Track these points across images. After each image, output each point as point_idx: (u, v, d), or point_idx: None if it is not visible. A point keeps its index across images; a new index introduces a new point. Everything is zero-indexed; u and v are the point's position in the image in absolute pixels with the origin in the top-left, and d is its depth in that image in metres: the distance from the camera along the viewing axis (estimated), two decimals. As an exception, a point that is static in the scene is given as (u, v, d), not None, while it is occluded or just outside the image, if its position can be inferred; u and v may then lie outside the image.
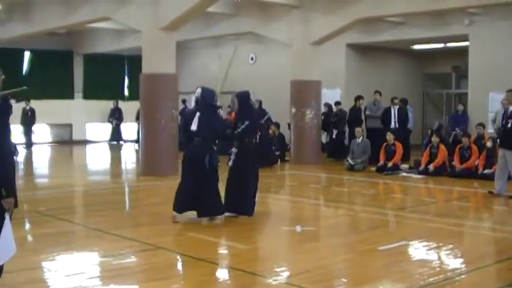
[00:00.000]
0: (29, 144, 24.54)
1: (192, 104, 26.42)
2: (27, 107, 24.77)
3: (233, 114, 11.31)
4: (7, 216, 4.93)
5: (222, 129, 9.89)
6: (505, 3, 17.27)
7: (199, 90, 9.83)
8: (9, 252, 4.98)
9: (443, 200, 13.40)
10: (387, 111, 19.15)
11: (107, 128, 28.12)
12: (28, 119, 24.76)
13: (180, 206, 9.58)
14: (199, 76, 27.88)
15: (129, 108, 26.84)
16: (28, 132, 24.78)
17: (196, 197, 9.41)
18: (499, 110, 17.45)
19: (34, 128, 25.10)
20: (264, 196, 13.02)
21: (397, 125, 18.85)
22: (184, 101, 25.75)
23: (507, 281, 6.65)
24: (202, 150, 9.47)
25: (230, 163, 10.06)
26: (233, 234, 8.83)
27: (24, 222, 9.81)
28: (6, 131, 4.98)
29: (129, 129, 27.57)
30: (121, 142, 27.61)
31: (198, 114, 9.55)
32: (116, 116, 27.78)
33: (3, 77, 5.12)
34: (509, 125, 12.27)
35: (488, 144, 15.34)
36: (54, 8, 19.76)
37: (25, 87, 5.23)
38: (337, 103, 20.83)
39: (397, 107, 19.14)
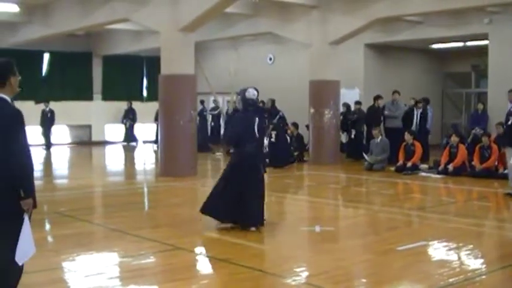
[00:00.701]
0: (48, 146, 24.70)
1: (223, 105, 26.63)
2: (47, 109, 24.95)
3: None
4: (26, 217, 4.97)
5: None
6: (525, 2, 17.16)
7: (254, 92, 9.21)
8: (29, 253, 5.01)
9: (463, 200, 13.33)
10: (410, 112, 19.11)
11: (121, 129, 28.20)
12: (47, 121, 24.93)
13: (223, 213, 9.15)
14: (218, 77, 27.95)
15: (148, 109, 26.91)
16: (47, 134, 24.95)
17: (243, 206, 8.97)
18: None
19: (53, 129, 25.26)
20: (282, 196, 13.07)
21: (417, 127, 18.83)
22: (202, 102, 25.80)
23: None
24: (258, 157, 9.19)
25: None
26: (252, 235, 8.83)
27: (44, 223, 9.88)
28: (24, 133, 5.01)
29: (148, 130, 27.65)
30: (132, 143, 27.59)
31: (257, 119, 9.07)
32: (130, 117, 27.86)
33: (19, 77, 5.15)
34: (509, 122, 12.38)
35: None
36: (73, 9, 19.86)
37: (19, 88, 5.25)
38: (357, 103, 20.79)
39: (421, 110, 19.09)
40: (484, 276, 6.89)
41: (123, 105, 27.99)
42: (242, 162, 9.03)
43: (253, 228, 8.90)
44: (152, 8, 16.30)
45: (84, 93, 27.82)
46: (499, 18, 19.54)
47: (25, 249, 4.96)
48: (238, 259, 7.57)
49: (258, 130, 9.06)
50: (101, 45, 27.71)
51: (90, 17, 19.21)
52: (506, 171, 14.74)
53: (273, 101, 20.91)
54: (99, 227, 9.89)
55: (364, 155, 17.63)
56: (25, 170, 4.98)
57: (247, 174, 8.98)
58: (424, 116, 19.20)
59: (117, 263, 7.50)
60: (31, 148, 5.06)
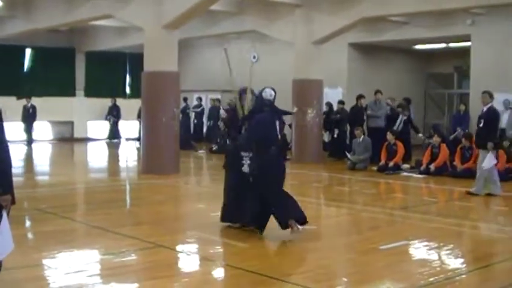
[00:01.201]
0: (29, 142, 24.53)
1: (207, 103, 26.59)
2: (29, 104, 24.76)
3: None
4: (4, 213, 4.93)
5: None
6: (508, 4, 17.25)
7: (272, 92, 8.74)
8: (7, 249, 4.98)
9: (445, 200, 13.40)
10: (394, 117, 19.19)
11: (105, 126, 28.10)
12: (29, 116, 24.75)
13: (247, 217, 8.74)
14: (202, 74, 27.97)
15: (131, 106, 26.84)
16: (29, 130, 24.78)
17: (265, 210, 8.55)
18: (501, 110, 17.46)
19: (35, 125, 25.11)
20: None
21: (402, 128, 18.92)
22: (185, 99, 25.76)
23: (509, 281, 6.64)
24: (280, 160, 8.78)
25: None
26: (234, 233, 8.82)
27: (25, 219, 9.82)
28: (2, 129, 4.97)
29: (131, 127, 27.57)
30: (115, 140, 27.53)
31: (277, 122, 8.69)
32: (114, 114, 27.78)
33: None
34: (480, 125, 12.56)
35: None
36: (56, 5, 19.74)
37: None
38: (341, 102, 20.83)
39: (406, 117, 19.17)
40: (463, 276, 6.94)
41: (106, 102, 27.90)
42: (268, 166, 8.47)
43: (300, 227, 8.44)
44: (136, 5, 16.24)
45: (66, 90, 27.68)
46: (482, 19, 19.65)
47: (3, 246, 4.93)
48: (219, 257, 7.57)
49: (279, 132, 8.78)
50: (84, 41, 27.58)
51: (74, 12, 19.10)
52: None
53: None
54: (80, 224, 9.84)
55: (347, 154, 17.69)
56: (2, 165, 4.94)
57: (273, 178, 8.50)
58: (406, 123, 19.27)
59: (98, 261, 7.46)
60: (11, 144, 5.02)
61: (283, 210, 8.50)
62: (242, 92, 9.51)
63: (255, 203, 8.58)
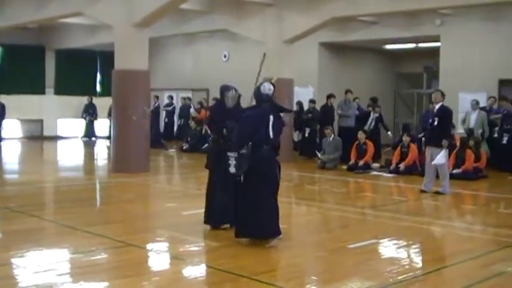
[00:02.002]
0: (-2, 139, 24.33)
1: (177, 102, 26.55)
2: (-3, 102, 24.50)
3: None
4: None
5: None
6: (476, 5, 17.46)
7: (270, 87, 8.27)
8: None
9: (414, 198, 13.49)
10: (366, 115, 19.34)
11: (79, 124, 27.91)
12: (-2, 114, 24.51)
13: (243, 229, 8.18)
14: (173, 73, 27.92)
15: (102, 104, 26.70)
16: (-3, 127, 24.55)
17: (259, 216, 8.00)
18: (469, 110, 17.67)
19: (4, 123, 24.86)
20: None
21: (372, 127, 19.10)
22: (157, 98, 25.70)
23: (476, 279, 6.72)
24: (273, 160, 8.18)
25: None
26: (204, 232, 8.82)
27: (-7, 218, 9.74)
28: None
29: (102, 125, 27.43)
30: (93, 138, 27.44)
31: (272, 118, 8.10)
32: (90, 112, 27.62)
33: None
34: (435, 123, 12.69)
35: (458, 144, 15.53)
36: (25, 2, 19.59)
37: None
38: (312, 101, 20.88)
39: (377, 115, 19.32)
40: (432, 274, 7.00)
41: (76, 100, 27.74)
42: (256, 167, 7.96)
43: (274, 241, 8.03)
44: (106, 3, 16.17)
45: (36, 87, 27.48)
46: (451, 20, 19.85)
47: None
48: (189, 256, 7.57)
49: (272, 130, 8.08)
50: (54, 38, 27.38)
51: (43, 10, 18.96)
52: (455, 171, 15.07)
53: (239, 97, 20.60)
54: (49, 222, 9.77)
55: (317, 153, 17.76)
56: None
57: (258, 181, 7.99)
58: (377, 122, 19.45)
59: (67, 259, 7.43)
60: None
61: (270, 218, 8.07)
62: (224, 90, 9.20)
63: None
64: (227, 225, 8.79)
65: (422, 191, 13.06)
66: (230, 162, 8.43)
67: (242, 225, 8.12)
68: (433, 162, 12.71)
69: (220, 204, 8.80)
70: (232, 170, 8.38)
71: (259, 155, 7.97)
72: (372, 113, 19.44)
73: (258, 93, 8.27)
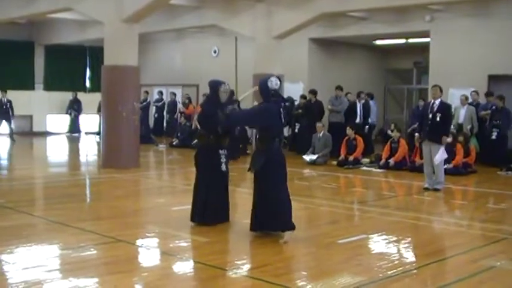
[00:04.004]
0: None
1: (167, 97, 26.51)
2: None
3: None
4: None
5: None
6: (466, 0, 17.51)
7: (278, 81, 8.31)
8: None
9: (403, 194, 13.54)
10: (352, 106, 19.35)
11: (64, 120, 27.85)
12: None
13: (259, 222, 8.21)
14: (162, 69, 27.87)
15: (91, 99, 26.65)
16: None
17: (276, 209, 8.06)
18: (458, 106, 17.71)
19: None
20: (225, 189, 13.07)
21: (361, 120, 19.09)
22: (147, 93, 25.64)
23: (466, 274, 6.75)
24: (282, 153, 8.38)
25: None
26: (194, 228, 8.82)
27: (-18, 214, 9.70)
28: None
29: (91, 121, 27.37)
30: (76, 134, 27.32)
31: (282, 111, 8.20)
32: (75, 108, 27.55)
33: None
34: (437, 119, 12.53)
35: (448, 139, 15.54)
36: (15, -3, 19.54)
37: None
38: (303, 97, 20.86)
39: (363, 101, 19.36)
40: (422, 269, 7.02)
41: (66, 96, 27.67)
42: (272, 160, 8.07)
43: (288, 234, 8.02)
44: (96, -2, 16.13)
45: (25, 83, 27.42)
46: (440, 15, 19.88)
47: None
48: (179, 251, 7.57)
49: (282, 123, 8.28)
50: (43, 34, 27.31)
51: (33, 5, 18.91)
52: (445, 166, 15.08)
53: (231, 92, 20.35)
54: (39, 218, 9.74)
55: (304, 157, 17.56)
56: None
57: (275, 173, 8.09)
58: (366, 109, 19.44)
59: (57, 256, 7.41)
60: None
61: (287, 212, 8.13)
62: (217, 84, 9.13)
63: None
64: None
65: (425, 189, 12.91)
66: (221, 160, 8.66)
67: (258, 219, 8.16)
68: (436, 161, 12.61)
69: (201, 202, 8.81)
70: (223, 168, 8.62)
71: (273, 149, 8.10)
72: (357, 101, 19.44)
73: (265, 89, 8.23)
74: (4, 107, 23.65)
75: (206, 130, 8.95)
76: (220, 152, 8.74)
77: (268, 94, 8.21)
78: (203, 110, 9.37)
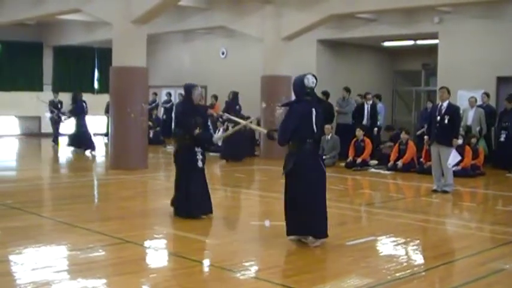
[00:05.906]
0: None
1: (176, 98, 26.54)
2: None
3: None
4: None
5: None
6: (474, 2, 17.47)
7: (313, 79, 8.04)
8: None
9: (412, 196, 13.51)
10: (360, 107, 19.32)
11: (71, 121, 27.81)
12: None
13: (293, 226, 8.02)
14: (171, 70, 27.90)
15: (99, 101, 26.66)
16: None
17: (308, 213, 7.86)
18: (466, 107, 17.66)
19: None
20: (234, 191, 13.09)
21: (369, 121, 19.04)
22: (155, 95, 25.70)
23: (474, 276, 6.72)
24: (317, 156, 8.09)
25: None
26: (203, 229, 8.83)
27: (-9, 215, 9.73)
28: None
29: (99, 122, 27.37)
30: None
31: (314, 111, 7.91)
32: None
33: None
34: (445, 121, 12.46)
35: (459, 141, 15.51)
36: (24, -2, 19.59)
37: None
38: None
39: (371, 102, 19.32)
40: (430, 271, 7.00)
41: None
42: (302, 163, 7.82)
43: (317, 242, 7.88)
44: (104, -1, 16.16)
45: (34, 84, 27.47)
46: (449, 17, 19.82)
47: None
48: (187, 253, 7.56)
49: (315, 124, 7.89)
50: (52, 35, 27.38)
51: (42, 6, 18.95)
52: (454, 169, 15.03)
53: (234, 94, 20.24)
54: (47, 219, 9.76)
55: None
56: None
57: (305, 176, 7.82)
58: (374, 110, 19.39)
59: (65, 256, 7.42)
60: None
61: (319, 218, 7.95)
62: (191, 88, 9.90)
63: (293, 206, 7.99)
64: (205, 216, 9.41)
65: (434, 191, 12.85)
66: (197, 157, 9.37)
67: (292, 223, 7.99)
68: (449, 165, 12.52)
69: (183, 196, 9.47)
70: (199, 164, 9.41)
71: (304, 150, 7.83)
72: (365, 102, 19.39)
73: (301, 86, 8.03)
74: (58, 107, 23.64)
75: (182, 129, 9.61)
76: (196, 149, 9.42)
77: (302, 92, 8.01)
78: (179, 109, 10.22)
